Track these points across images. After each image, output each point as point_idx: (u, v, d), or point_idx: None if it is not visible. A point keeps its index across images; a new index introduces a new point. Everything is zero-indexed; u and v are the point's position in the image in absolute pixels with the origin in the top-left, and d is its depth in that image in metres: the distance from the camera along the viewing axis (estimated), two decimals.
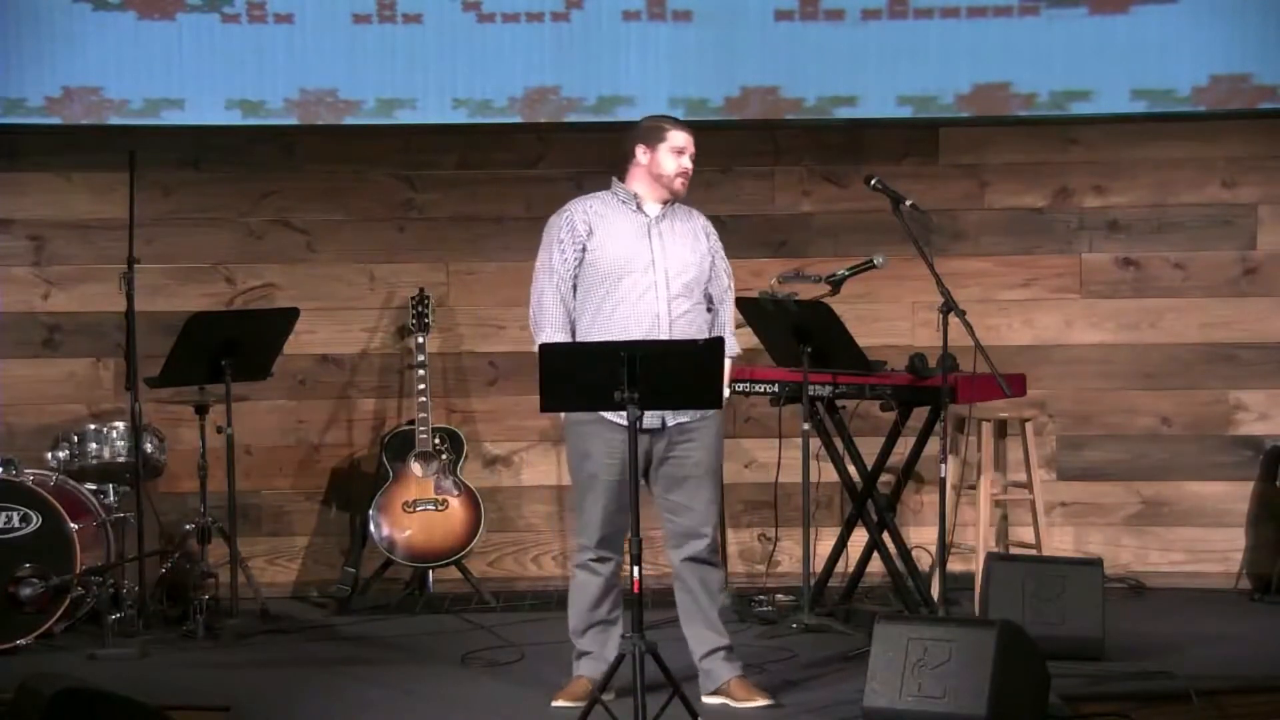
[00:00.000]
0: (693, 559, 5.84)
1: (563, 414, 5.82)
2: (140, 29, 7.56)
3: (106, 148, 7.57)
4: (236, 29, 7.56)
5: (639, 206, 5.84)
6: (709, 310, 5.88)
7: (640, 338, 5.64)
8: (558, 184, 7.87)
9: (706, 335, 5.78)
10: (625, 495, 5.54)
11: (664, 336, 5.70)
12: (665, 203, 5.85)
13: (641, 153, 5.84)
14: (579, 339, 5.74)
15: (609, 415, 5.64)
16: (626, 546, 5.55)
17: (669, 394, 5.38)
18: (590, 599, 5.84)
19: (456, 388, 7.94)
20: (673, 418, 5.73)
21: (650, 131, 5.86)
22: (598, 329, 5.72)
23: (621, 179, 5.91)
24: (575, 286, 5.79)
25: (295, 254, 7.90)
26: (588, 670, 5.84)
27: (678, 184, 5.82)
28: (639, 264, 5.74)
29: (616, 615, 5.88)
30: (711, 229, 5.97)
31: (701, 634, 5.87)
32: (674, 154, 5.81)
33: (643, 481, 5.64)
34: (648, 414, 5.57)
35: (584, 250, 5.77)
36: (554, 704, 5.82)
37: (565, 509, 7.94)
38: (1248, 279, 7.82)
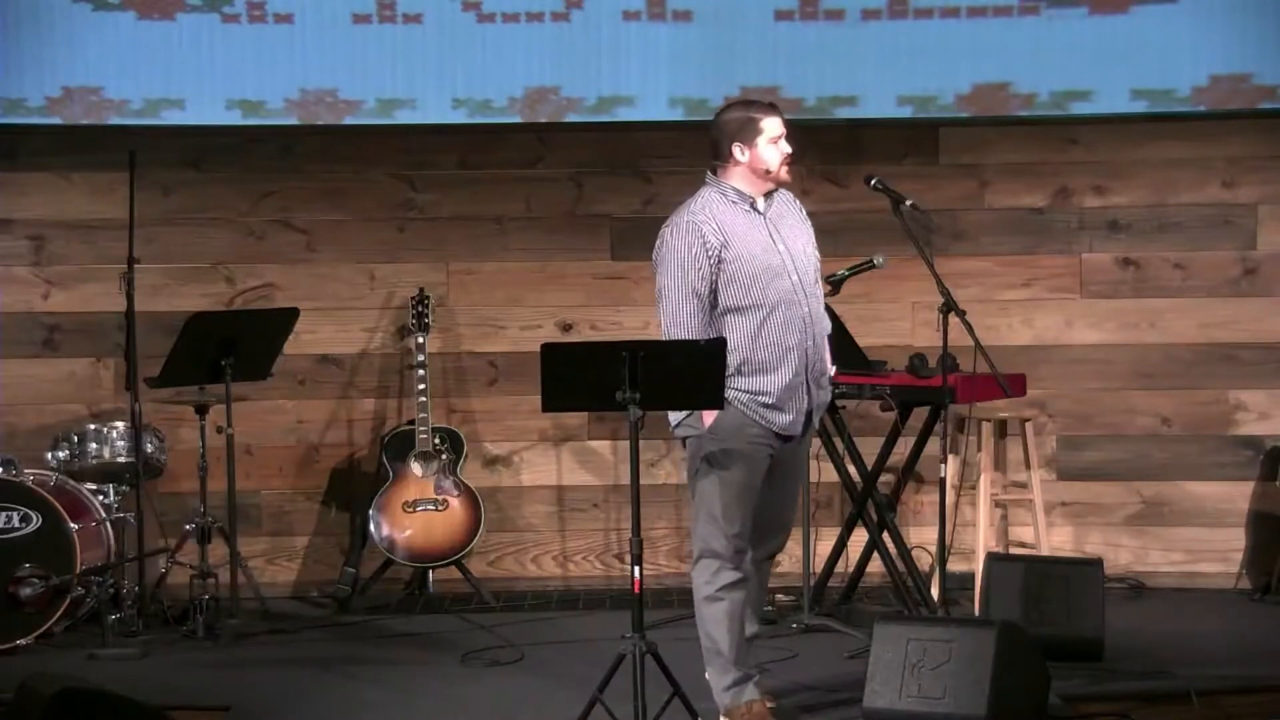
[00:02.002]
0: (768, 557, 5.72)
1: (706, 419, 5.44)
2: (140, 29, 7.56)
3: (106, 148, 7.58)
4: (236, 29, 7.56)
5: (753, 206, 5.53)
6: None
7: (795, 345, 5.43)
8: (558, 184, 7.88)
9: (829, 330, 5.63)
10: (751, 506, 5.48)
11: (811, 343, 5.47)
12: (767, 195, 5.59)
13: (740, 151, 5.49)
14: (741, 358, 5.40)
15: (762, 419, 5.44)
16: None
17: (670, 394, 5.36)
18: (741, 617, 5.52)
19: (456, 388, 7.94)
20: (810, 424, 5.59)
21: (744, 127, 5.51)
22: (762, 345, 5.41)
23: (715, 175, 5.59)
24: (714, 298, 5.44)
25: (295, 254, 7.89)
26: (759, 691, 5.59)
27: (784, 173, 5.56)
28: (775, 267, 5.44)
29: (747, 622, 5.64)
30: (797, 200, 5.73)
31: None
32: (773, 144, 5.52)
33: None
34: (791, 421, 5.45)
35: (720, 263, 5.41)
36: None
37: (565, 509, 7.94)
38: (1248, 279, 7.82)
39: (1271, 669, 6.22)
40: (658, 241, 5.54)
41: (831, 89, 7.61)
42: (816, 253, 5.67)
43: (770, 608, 7.05)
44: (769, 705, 5.59)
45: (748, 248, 5.45)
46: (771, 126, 5.53)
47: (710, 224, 5.45)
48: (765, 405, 5.45)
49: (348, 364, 7.93)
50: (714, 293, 5.44)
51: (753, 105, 5.65)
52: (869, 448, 7.21)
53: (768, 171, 5.54)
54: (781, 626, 6.85)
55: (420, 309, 7.68)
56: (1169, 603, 7.47)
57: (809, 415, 5.57)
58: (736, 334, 5.42)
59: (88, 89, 7.57)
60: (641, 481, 5.43)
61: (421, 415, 7.55)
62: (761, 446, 5.47)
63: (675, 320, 5.44)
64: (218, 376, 6.94)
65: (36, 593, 6.71)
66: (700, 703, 5.51)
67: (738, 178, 5.55)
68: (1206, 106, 7.57)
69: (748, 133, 5.52)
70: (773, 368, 5.45)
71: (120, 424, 7.20)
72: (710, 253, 5.41)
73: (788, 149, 5.57)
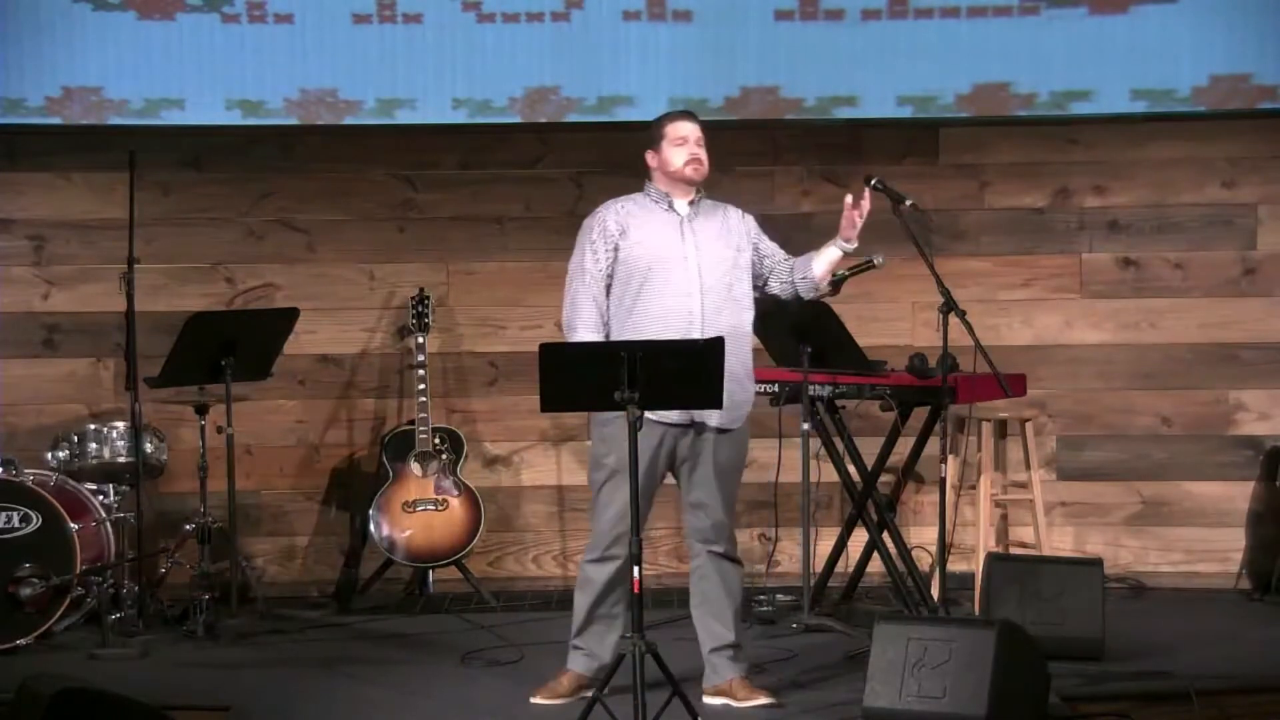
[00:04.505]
0: (716, 553, 5.84)
1: (590, 414, 5.80)
2: (140, 29, 7.56)
3: (106, 148, 7.58)
4: (236, 29, 7.56)
5: (670, 205, 5.83)
6: (765, 291, 5.91)
7: (674, 336, 5.63)
8: (558, 184, 7.88)
9: (744, 334, 5.79)
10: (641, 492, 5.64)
11: (697, 334, 5.67)
12: (693, 201, 5.84)
13: (651, 157, 5.87)
14: (614, 338, 5.73)
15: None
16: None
17: (669, 394, 5.38)
18: (595, 591, 5.85)
19: (456, 388, 7.94)
20: (717, 420, 5.72)
21: (653, 133, 5.88)
22: (630, 327, 5.71)
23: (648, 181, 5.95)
24: (610, 287, 5.79)
25: (295, 254, 7.90)
26: (579, 666, 5.89)
27: (688, 171, 5.79)
28: (672, 260, 5.73)
29: (618, 611, 5.87)
30: (748, 217, 5.94)
31: (712, 627, 5.86)
32: (677, 145, 5.80)
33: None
34: (677, 411, 5.66)
35: (616, 250, 5.77)
36: (533, 700, 5.87)
37: (565, 509, 7.94)
38: (1248, 279, 7.82)
39: (1271, 669, 6.22)
40: None
41: (831, 89, 7.62)
42: (776, 248, 5.89)
43: (770, 608, 7.05)
44: (765, 702, 5.71)
45: (649, 238, 5.77)
46: (675, 130, 5.84)
47: (615, 214, 5.83)
48: None
49: (348, 364, 7.93)
50: (611, 278, 5.77)
51: (668, 114, 5.98)
52: (869, 448, 7.21)
53: (672, 171, 5.80)
54: (781, 626, 6.85)
55: (420, 309, 7.68)
56: (1169, 603, 7.47)
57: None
58: (619, 316, 5.75)
59: (88, 89, 7.57)
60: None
61: (421, 415, 7.55)
62: (646, 433, 5.62)
63: (570, 297, 5.84)
64: (218, 376, 6.94)
65: (36, 593, 6.71)
66: (701, 703, 5.51)
67: (658, 179, 5.89)
68: (1206, 106, 7.57)
69: (655, 137, 5.88)
70: None
71: (120, 424, 7.20)
72: (608, 239, 5.78)
73: (696, 151, 5.81)
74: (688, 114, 5.94)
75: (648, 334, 5.66)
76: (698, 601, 5.90)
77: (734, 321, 5.78)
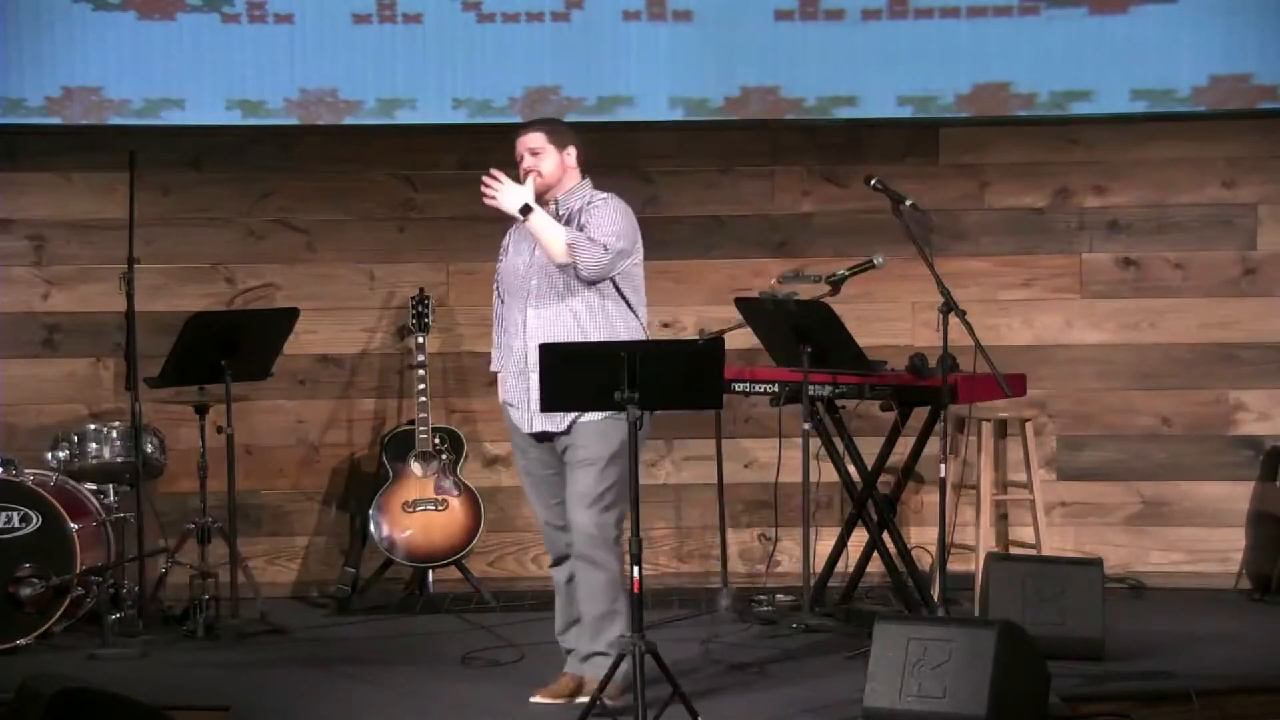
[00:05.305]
0: (574, 555, 5.81)
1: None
2: (140, 29, 7.56)
3: (106, 148, 7.58)
4: (236, 29, 7.56)
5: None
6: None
7: (517, 349, 5.70)
8: None
9: (569, 339, 5.66)
10: (540, 495, 5.86)
11: (518, 342, 5.73)
12: (556, 202, 5.83)
13: None
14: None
15: (509, 416, 5.82)
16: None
17: (669, 394, 5.38)
18: (564, 593, 5.95)
19: (456, 388, 7.94)
20: (540, 425, 5.72)
21: None
22: (501, 341, 5.92)
23: None
24: None
25: (295, 254, 7.90)
26: (575, 668, 5.90)
27: (529, 184, 5.83)
28: (513, 269, 5.87)
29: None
30: (594, 203, 5.79)
31: (580, 634, 5.86)
32: (518, 165, 5.86)
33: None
34: (521, 418, 5.74)
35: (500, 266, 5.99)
36: (532, 700, 5.87)
37: None
38: (1248, 279, 7.82)
39: (1271, 669, 6.22)
40: None
41: (831, 89, 7.61)
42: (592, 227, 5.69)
43: (770, 608, 7.05)
44: (580, 700, 5.65)
45: (509, 254, 5.92)
46: (516, 150, 5.87)
47: (508, 232, 5.98)
48: (506, 403, 5.87)
49: (348, 364, 7.93)
50: None
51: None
52: (869, 448, 7.20)
53: None
54: (781, 626, 6.85)
55: (420, 309, 7.68)
56: (1169, 603, 7.47)
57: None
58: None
59: (88, 89, 7.57)
60: (641, 481, 5.44)
61: (421, 415, 7.55)
62: (520, 440, 5.85)
63: None
64: (218, 376, 6.94)
65: (36, 593, 6.71)
66: (700, 702, 5.51)
67: None
68: (1206, 106, 7.57)
69: None
70: (505, 365, 5.84)
71: (120, 424, 7.20)
72: (498, 259, 6.00)
73: (528, 164, 5.85)
74: (522, 126, 6.00)
75: (507, 351, 5.80)
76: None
77: (562, 323, 5.70)
